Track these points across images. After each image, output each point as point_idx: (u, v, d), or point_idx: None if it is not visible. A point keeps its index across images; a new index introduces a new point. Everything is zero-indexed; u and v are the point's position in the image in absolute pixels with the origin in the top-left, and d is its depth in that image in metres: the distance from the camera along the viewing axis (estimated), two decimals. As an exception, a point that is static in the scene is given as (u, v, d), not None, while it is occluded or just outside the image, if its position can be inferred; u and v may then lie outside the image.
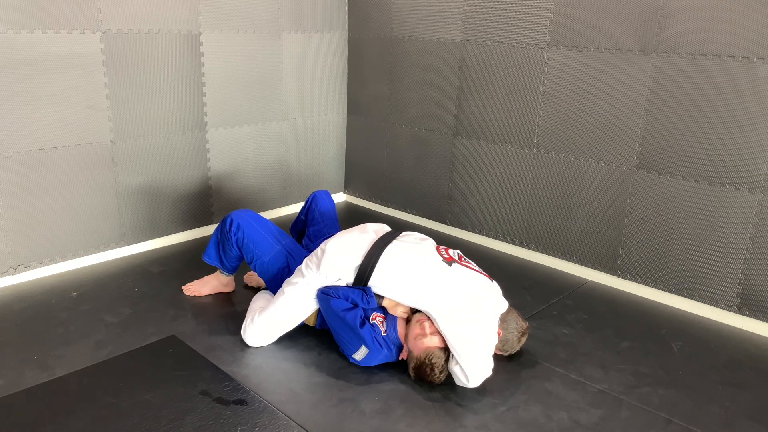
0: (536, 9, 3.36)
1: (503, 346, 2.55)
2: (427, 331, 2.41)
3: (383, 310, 2.56)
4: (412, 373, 2.42)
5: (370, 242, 2.58)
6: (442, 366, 2.36)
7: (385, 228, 2.74)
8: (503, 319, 2.53)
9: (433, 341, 2.40)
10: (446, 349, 2.40)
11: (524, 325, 2.58)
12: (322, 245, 2.62)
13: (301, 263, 2.71)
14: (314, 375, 2.47)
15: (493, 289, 2.57)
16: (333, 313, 2.47)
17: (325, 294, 2.52)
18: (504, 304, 2.57)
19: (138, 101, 3.41)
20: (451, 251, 2.63)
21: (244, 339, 2.64)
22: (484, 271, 2.65)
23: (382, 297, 2.55)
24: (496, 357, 2.62)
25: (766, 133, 2.75)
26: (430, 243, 2.66)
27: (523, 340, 2.59)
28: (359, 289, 2.52)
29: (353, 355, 2.47)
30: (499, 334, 2.51)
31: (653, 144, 3.09)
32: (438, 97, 3.93)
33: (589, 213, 3.39)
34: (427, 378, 2.38)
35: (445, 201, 4.07)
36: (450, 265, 2.52)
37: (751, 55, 2.73)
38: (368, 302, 2.49)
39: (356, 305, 2.49)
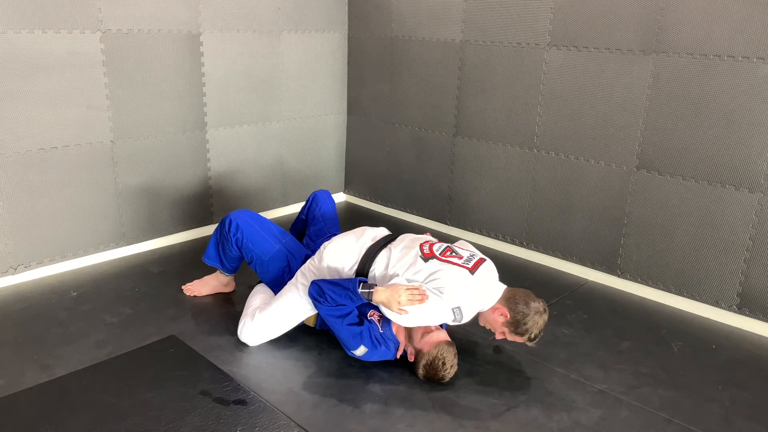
0: (536, 9, 3.36)
1: (516, 329, 2.39)
2: (432, 327, 2.46)
3: (377, 307, 2.56)
4: (422, 371, 2.42)
5: (366, 247, 2.61)
6: (452, 360, 2.39)
7: (383, 232, 2.74)
8: (508, 299, 2.40)
9: (440, 335, 2.45)
10: (452, 343, 2.45)
11: (538, 305, 2.40)
12: (320, 249, 2.64)
13: (303, 263, 2.72)
14: (314, 375, 2.47)
15: (471, 280, 2.41)
16: (328, 317, 2.47)
17: (315, 299, 2.44)
18: (498, 288, 2.45)
19: (138, 101, 3.40)
20: (436, 246, 2.53)
21: (239, 335, 2.64)
22: (481, 259, 2.52)
23: (371, 291, 2.42)
24: (512, 342, 2.52)
25: (766, 133, 2.75)
26: (420, 241, 2.58)
27: (540, 320, 2.39)
28: (348, 282, 2.41)
29: (353, 351, 2.47)
30: (506, 316, 2.39)
31: (653, 144, 3.09)
32: (438, 97, 3.93)
33: (589, 213, 3.39)
34: (438, 373, 2.39)
35: (445, 201, 4.07)
36: (426, 261, 2.46)
37: (751, 55, 2.73)
38: (357, 299, 2.40)
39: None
